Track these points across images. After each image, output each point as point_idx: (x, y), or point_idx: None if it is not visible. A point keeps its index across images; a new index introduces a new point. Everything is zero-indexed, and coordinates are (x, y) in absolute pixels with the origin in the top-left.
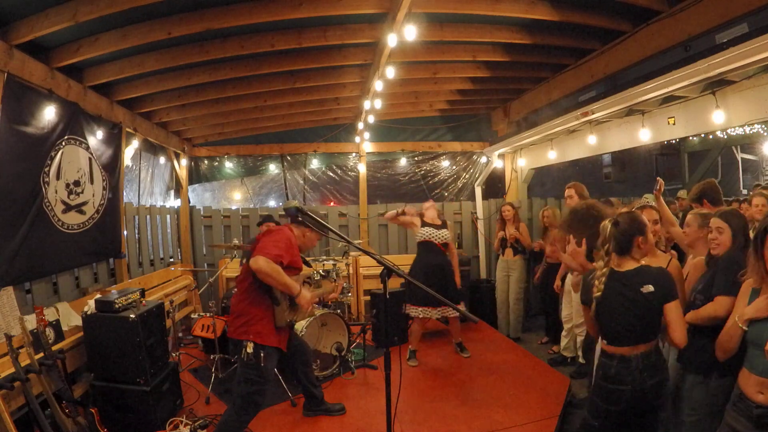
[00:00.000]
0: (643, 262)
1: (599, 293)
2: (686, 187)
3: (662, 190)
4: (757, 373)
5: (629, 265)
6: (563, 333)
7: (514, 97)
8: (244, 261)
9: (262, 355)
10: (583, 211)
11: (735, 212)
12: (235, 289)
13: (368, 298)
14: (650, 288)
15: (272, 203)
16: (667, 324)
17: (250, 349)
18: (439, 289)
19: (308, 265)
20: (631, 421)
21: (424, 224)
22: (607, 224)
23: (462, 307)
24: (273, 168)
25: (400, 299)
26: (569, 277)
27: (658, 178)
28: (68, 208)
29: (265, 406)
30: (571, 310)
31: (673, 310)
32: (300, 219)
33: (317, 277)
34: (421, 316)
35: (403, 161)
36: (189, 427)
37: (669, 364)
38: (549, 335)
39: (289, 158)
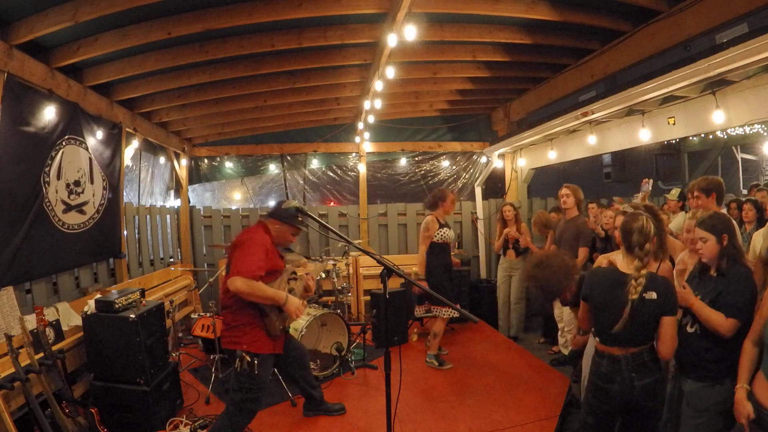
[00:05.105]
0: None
1: (636, 296)
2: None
3: (649, 193)
4: None
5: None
6: (559, 332)
7: (514, 97)
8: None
9: (256, 362)
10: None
11: (717, 217)
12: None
13: (368, 298)
14: (653, 295)
15: (272, 203)
16: (660, 336)
17: (244, 358)
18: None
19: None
20: (626, 420)
21: (441, 225)
22: (647, 221)
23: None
24: (273, 168)
25: (400, 299)
26: None
27: (645, 180)
28: (69, 208)
29: (265, 406)
30: (562, 309)
31: (670, 324)
32: (273, 214)
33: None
34: (445, 316)
35: (403, 161)
36: (189, 427)
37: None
38: (546, 335)
39: (289, 158)
